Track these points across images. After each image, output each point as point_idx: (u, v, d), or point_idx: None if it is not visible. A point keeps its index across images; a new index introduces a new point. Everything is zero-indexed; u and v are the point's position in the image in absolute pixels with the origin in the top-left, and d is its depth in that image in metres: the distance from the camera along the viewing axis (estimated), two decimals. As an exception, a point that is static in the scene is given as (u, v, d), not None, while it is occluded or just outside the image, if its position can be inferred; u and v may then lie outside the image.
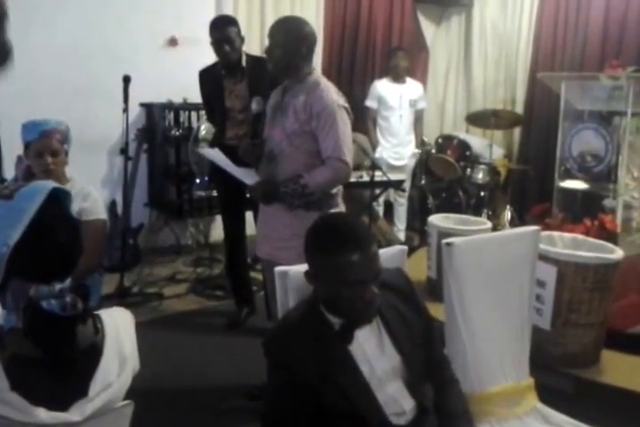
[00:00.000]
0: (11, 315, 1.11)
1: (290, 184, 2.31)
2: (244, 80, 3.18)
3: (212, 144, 3.44)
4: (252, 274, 3.73)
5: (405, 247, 1.88)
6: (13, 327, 1.09)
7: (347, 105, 2.37)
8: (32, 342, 1.08)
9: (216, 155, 2.61)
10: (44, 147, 2.33)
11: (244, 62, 3.19)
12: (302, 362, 1.43)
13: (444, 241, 1.89)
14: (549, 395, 2.07)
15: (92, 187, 2.56)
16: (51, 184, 1.16)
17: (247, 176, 2.46)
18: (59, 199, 1.16)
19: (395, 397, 1.50)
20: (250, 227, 3.49)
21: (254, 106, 2.48)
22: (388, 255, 1.80)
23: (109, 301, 3.40)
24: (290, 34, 2.32)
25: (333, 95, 2.34)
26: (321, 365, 1.43)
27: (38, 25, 3.89)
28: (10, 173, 3.12)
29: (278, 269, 1.67)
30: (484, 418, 1.89)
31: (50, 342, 1.10)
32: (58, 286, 1.09)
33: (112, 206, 4.12)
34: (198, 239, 4.72)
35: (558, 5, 5.13)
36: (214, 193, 4.06)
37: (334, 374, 1.44)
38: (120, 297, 3.53)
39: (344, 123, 2.32)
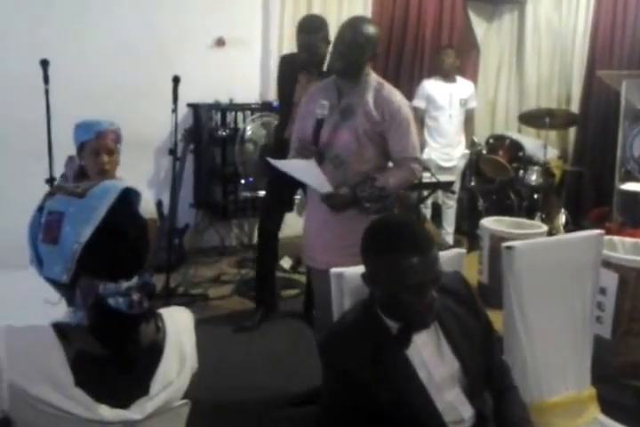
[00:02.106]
0: (78, 312, 1.10)
1: (366, 188, 2.26)
2: (319, 80, 3.12)
3: (275, 139, 3.39)
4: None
5: (463, 250, 1.81)
6: (79, 324, 1.10)
7: (409, 103, 2.41)
8: (97, 339, 1.09)
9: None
10: (101, 146, 2.33)
11: (325, 66, 3.11)
12: (358, 365, 1.39)
13: (505, 245, 1.83)
14: (610, 406, 1.99)
15: (142, 187, 2.56)
16: (121, 184, 1.17)
17: (323, 185, 2.35)
18: (129, 199, 1.17)
19: (453, 404, 1.45)
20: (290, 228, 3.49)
21: (319, 111, 2.35)
22: (445, 259, 1.74)
23: (155, 301, 3.40)
24: (359, 34, 2.29)
25: (400, 95, 2.36)
26: (377, 368, 1.39)
27: (90, 26, 3.95)
28: (60, 171, 3.16)
29: (334, 270, 1.64)
30: (545, 428, 1.82)
31: (115, 339, 1.11)
32: (125, 284, 1.10)
33: (158, 207, 4.14)
34: (242, 240, 4.71)
35: (616, -1, 4.94)
36: (259, 194, 4.03)
37: (391, 379, 1.40)
38: (166, 297, 3.52)
39: (413, 122, 2.35)
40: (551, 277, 1.89)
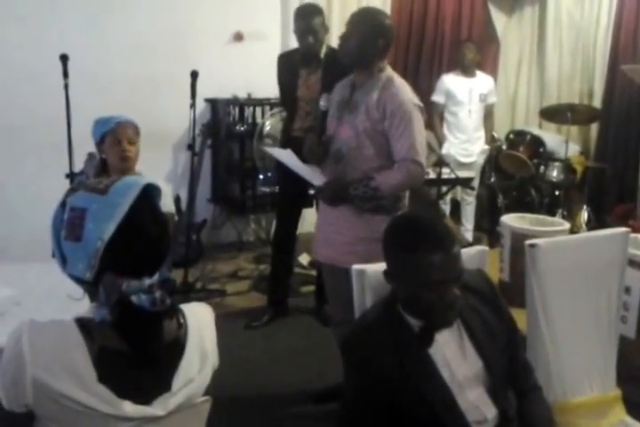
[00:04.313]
0: (102, 309, 1.10)
1: (360, 187, 2.22)
2: (319, 71, 3.11)
3: (282, 135, 3.40)
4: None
5: (486, 248, 1.78)
6: (103, 320, 1.09)
7: (421, 104, 2.29)
8: (120, 335, 1.09)
9: (286, 155, 2.50)
10: (122, 134, 2.38)
11: (322, 54, 3.12)
12: (380, 363, 1.39)
13: (528, 242, 1.79)
14: (636, 408, 1.96)
15: (161, 180, 2.56)
16: (143, 180, 1.16)
17: (315, 177, 2.36)
18: (150, 195, 1.16)
19: (476, 404, 1.44)
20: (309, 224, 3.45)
21: (322, 102, 2.37)
22: (468, 256, 1.71)
23: (174, 296, 3.40)
24: (368, 25, 2.23)
25: (409, 93, 2.26)
26: (399, 367, 1.39)
27: (110, 22, 3.96)
28: (80, 166, 3.17)
29: (356, 267, 1.63)
30: (568, 429, 1.81)
31: (138, 336, 1.11)
32: (147, 282, 1.09)
33: (176, 202, 4.13)
34: (260, 236, 4.70)
35: (641, -8, 4.83)
36: (277, 189, 4.02)
37: (413, 377, 1.39)
38: (184, 293, 3.53)
39: (419, 122, 2.23)
40: (575, 275, 1.86)
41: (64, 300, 1.24)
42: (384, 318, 1.45)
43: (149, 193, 1.15)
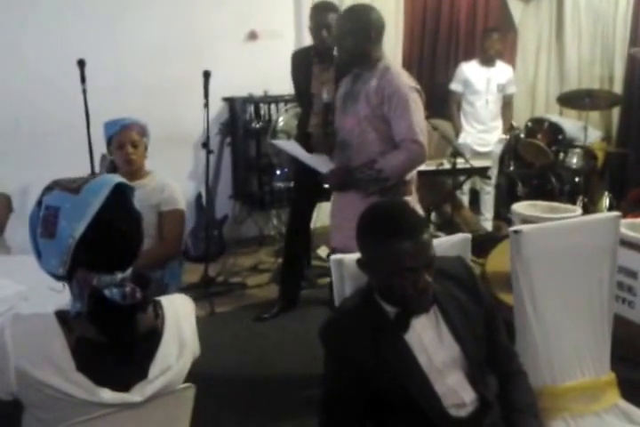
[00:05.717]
0: (76, 302, 1.17)
1: (365, 170, 2.34)
2: (332, 68, 3.17)
3: (298, 131, 3.46)
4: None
5: (469, 235, 1.82)
6: (79, 312, 1.16)
7: (418, 87, 2.38)
8: (95, 326, 1.15)
9: (291, 145, 2.64)
10: (125, 138, 2.47)
11: (335, 51, 3.16)
12: (358, 351, 1.42)
13: (511, 229, 1.82)
14: (634, 390, 1.95)
15: (170, 179, 2.66)
16: (116, 179, 1.21)
17: (322, 165, 2.48)
18: (123, 193, 1.21)
19: (454, 388, 1.46)
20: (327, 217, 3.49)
21: (325, 95, 2.52)
22: (451, 244, 1.76)
23: (195, 290, 3.53)
24: (357, 21, 2.36)
25: (404, 78, 2.37)
26: (377, 353, 1.42)
27: (125, 24, 4.02)
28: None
29: (334, 257, 1.67)
30: (558, 414, 1.81)
31: (111, 327, 1.16)
32: (119, 276, 1.15)
33: (198, 199, 4.26)
34: (280, 230, 4.78)
35: (661, -27, 4.72)
36: (292, 184, 4.09)
37: (390, 363, 1.42)
38: (205, 287, 3.64)
39: (416, 104, 2.34)
40: (564, 260, 1.85)
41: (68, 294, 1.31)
42: (361, 307, 1.48)
43: (122, 191, 1.20)
